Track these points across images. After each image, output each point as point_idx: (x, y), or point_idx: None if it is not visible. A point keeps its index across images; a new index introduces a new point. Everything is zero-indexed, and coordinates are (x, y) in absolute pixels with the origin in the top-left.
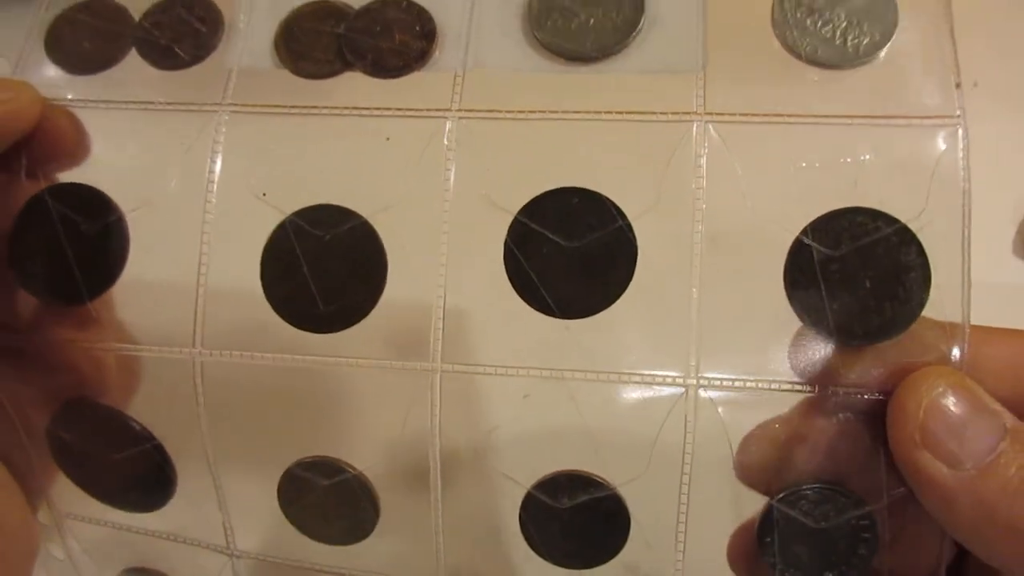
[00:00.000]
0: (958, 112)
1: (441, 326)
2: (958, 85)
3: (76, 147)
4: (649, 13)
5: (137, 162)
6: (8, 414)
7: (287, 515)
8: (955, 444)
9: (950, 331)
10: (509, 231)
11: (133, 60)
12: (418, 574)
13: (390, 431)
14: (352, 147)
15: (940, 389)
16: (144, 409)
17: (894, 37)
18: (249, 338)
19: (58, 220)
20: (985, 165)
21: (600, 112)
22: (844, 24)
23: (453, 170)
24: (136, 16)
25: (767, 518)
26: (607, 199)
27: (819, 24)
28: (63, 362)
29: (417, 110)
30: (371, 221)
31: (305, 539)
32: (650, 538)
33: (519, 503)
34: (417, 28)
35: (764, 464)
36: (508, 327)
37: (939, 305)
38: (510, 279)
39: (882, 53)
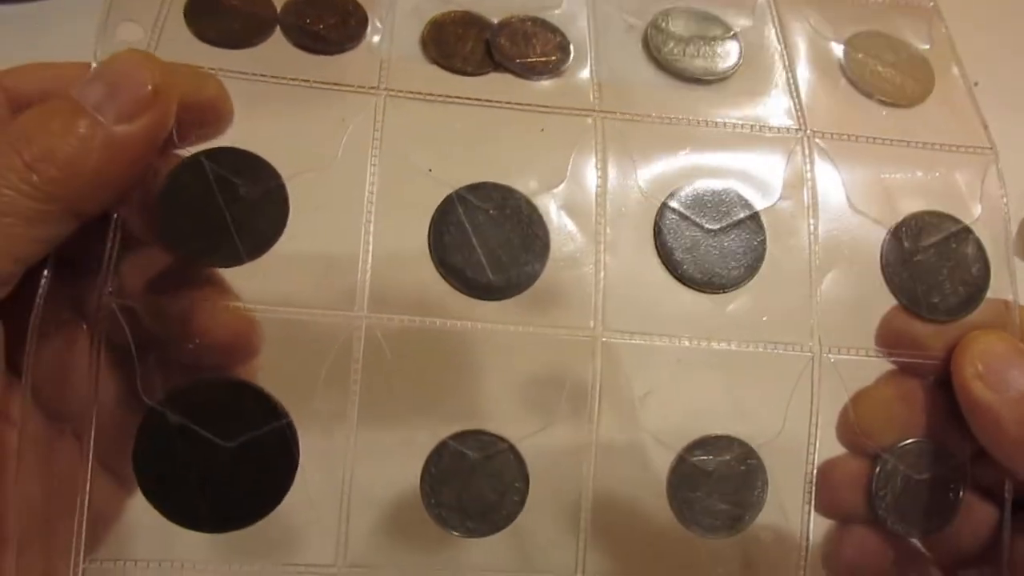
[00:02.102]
0: (991, 146)
1: (602, 297)
2: (986, 127)
3: (225, 115)
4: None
5: (293, 132)
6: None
7: (429, 499)
8: (1003, 375)
9: (1006, 308)
10: (658, 214)
11: (278, 41)
12: (558, 559)
13: (549, 399)
14: (510, 134)
15: (995, 339)
16: (282, 382)
17: (934, 91)
18: (417, 304)
19: (215, 182)
20: None
21: (724, 124)
22: (902, 79)
23: (604, 160)
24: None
25: (878, 473)
26: (739, 193)
27: (879, 70)
28: (206, 325)
29: (567, 108)
30: (534, 199)
31: (438, 535)
32: (784, 498)
33: (668, 467)
34: (554, 42)
35: (872, 422)
36: (660, 299)
37: (996, 289)
38: (660, 257)
39: (929, 99)
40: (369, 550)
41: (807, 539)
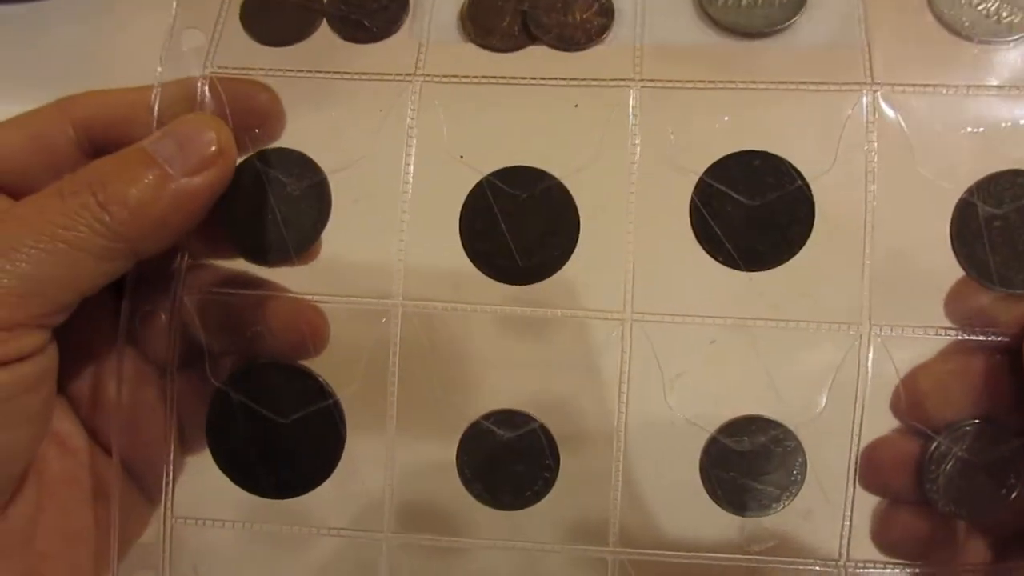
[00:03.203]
0: None
1: (631, 278)
2: None
3: (277, 120)
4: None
5: (336, 127)
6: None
7: (464, 474)
8: None
9: None
10: (695, 190)
11: (324, 33)
12: (589, 539)
13: (579, 380)
14: (543, 113)
15: None
16: (329, 364)
17: None
18: (449, 290)
19: (267, 183)
20: None
21: (776, 82)
22: (997, 3)
23: (639, 135)
24: None
25: (931, 453)
26: (786, 161)
27: (974, 2)
28: (263, 315)
29: (602, 80)
30: (564, 182)
31: (472, 507)
32: (823, 479)
33: (701, 448)
34: (595, 6)
35: (927, 402)
36: (695, 279)
37: None
38: (696, 234)
39: None
40: (411, 519)
41: (850, 519)
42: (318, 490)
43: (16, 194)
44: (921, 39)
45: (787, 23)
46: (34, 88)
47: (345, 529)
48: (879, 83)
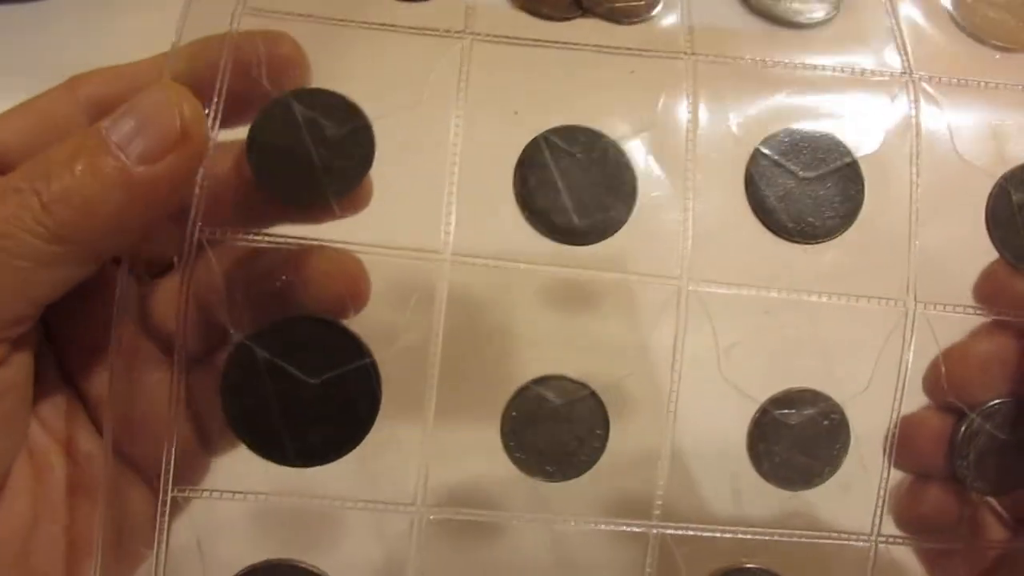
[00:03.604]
0: None
1: (689, 244)
2: None
3: (300, 69)
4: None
5: (380, 75)
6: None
7: (508, 442)
8: None
9: None
10: (750, 160)
11: None
12: (629, 514)
13: (632, 345)
14: (599, 77)
15: None
16: (367, 321)
17: None
18: (500, 247)
19: (303, 123)
20: None
21: (822, 67)
22: (1013, 20)
23: (696, 104)
24: None
25: (964, 431)
26: (837, 138)
27: (990, 14)
28: (295, 265)
29: (655, 51)
30: (621, 144)
31: (513, 479)
32: (864, 453)
33: (751, 419)
34: None
35: (963, 379)
36: (749, 249)
37: None
38: (751, 204)
39: None
40: (448, 492)
41: (884, 493)
42: (345, 458)
43: None
44: (950, 41)
45: (823, 20)
46: (34, 87)
47: (373, 502)
48: (920, 74)
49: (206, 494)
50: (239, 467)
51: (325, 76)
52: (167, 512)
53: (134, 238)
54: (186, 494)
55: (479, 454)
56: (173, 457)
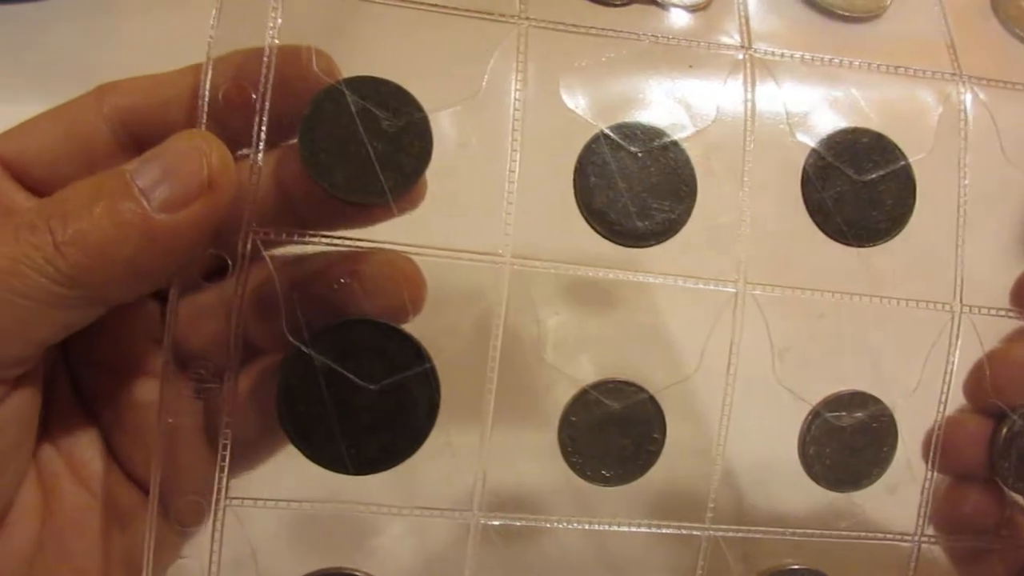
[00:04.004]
0: None
1: (747, 247)
2: None
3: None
4: None
5: (433, 62)
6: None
7: (565, 444)
8: None
9: None
10: (807, 161)
11: None
12: (681, 516)
13: (689, 350)
14: (657, 70)
15: None
16: (423, 325)
17: None
18: (560, 249)
19: (356, 113)
20: None
21: (875, 66)
22: None
23: (754, 103)
24: None
25: (1005, 432)
26: (891, 141)
27: None
28: (352, 267)
29: (714, 43)
30: (682, 142)
31: (569, 484)
32: (911, 455)
33: (803, 422)
34: None
35: (1005, 380)
36: (805, 251)
37: None
38: (807, 206)
39: None
40: (505, 497)
41: (928, 494)
42: (401, 467)
43: (47, 191)
44: (989, 40)
45: (879, 11)
46: (34, 88)
47: (430, 508)
48: (968, 76)
49: (260, 503)
50: (268, 476)
51: (381, 63)
52: (222, 523)
53: (148, 286)
54: (240, 503)
55: (535, 459)
56: (227, 467)
